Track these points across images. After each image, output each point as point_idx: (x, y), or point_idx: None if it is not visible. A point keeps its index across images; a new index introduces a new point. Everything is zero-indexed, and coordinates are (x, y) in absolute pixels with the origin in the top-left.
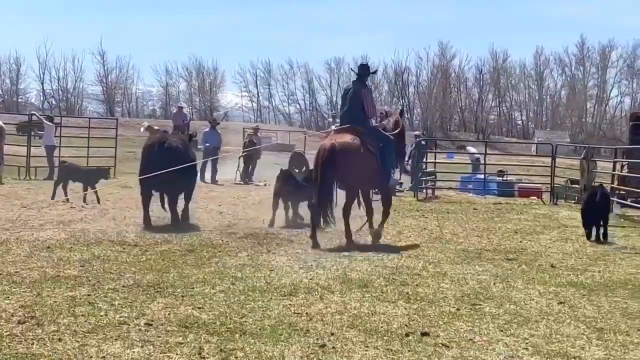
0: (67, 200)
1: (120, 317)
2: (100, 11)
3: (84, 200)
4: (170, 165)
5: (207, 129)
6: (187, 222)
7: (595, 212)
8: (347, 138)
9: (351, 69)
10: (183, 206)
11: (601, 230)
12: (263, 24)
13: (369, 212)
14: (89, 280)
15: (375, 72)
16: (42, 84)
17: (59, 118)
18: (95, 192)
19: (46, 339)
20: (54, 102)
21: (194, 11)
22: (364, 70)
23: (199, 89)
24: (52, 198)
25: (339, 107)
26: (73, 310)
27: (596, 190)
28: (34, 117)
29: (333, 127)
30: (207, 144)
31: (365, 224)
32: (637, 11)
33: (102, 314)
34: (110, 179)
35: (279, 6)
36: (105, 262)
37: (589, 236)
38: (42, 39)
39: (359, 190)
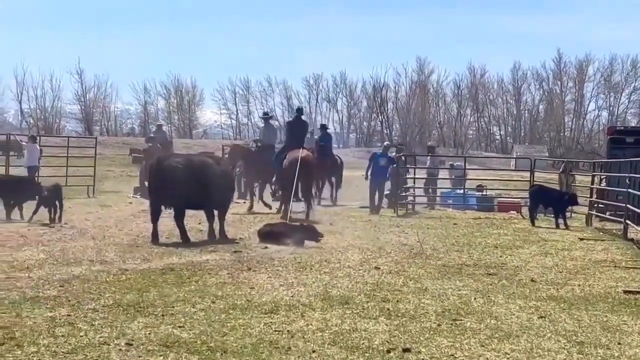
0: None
1: (101, 337)
2: (78, 29)
3: (60, 220)
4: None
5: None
6: (224, 238)
7: (539, 202)
8: (307, 152)
9: (294, 109)
10: (219, 222)
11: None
12: (240, 40)
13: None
14: (69, 301)
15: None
16: (20, 103)
17: (38, 138)
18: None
19: None
20: (32, 121)
21: (171, 28)
22: (301, 111)
23: (178, 107)
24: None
25: (282, 132)
26: (53, 331)
27: (537, 187)
28: (12, 138)
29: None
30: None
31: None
32: (613, 25)
33: (82, 334)
34: (90, 197)
35: (255, 22)
36: (84, 282)
37: (532, 221)
38: (20, 58)
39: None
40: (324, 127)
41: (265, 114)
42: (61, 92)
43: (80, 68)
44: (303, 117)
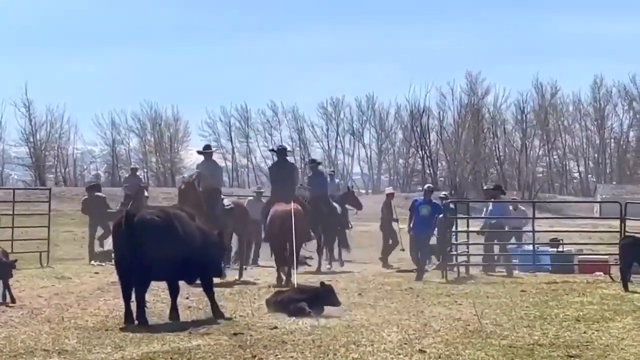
0: None
1: None
2: (25, 49)
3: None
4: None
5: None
6: (219, 315)
7: (634, 259)
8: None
9: (272, 150)
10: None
11: None
12: (236, 59)
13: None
14: None
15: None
16: None
17: None
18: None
19: None
20: None
21: (145, 46)
22: (285, 151)
23: (156, 146)
24: None
25: (267, 177)
26: None
27: (630, 240)
28: None
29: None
30: None
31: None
32: None
33: None
34: (44, 267)
35: (254, 35)
36: None
37: (626, 285)
38: None
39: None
40: (313, 163)
41: (206, 147)
42: (3, 130)
43: (28, 99)
44: (288, 159)
